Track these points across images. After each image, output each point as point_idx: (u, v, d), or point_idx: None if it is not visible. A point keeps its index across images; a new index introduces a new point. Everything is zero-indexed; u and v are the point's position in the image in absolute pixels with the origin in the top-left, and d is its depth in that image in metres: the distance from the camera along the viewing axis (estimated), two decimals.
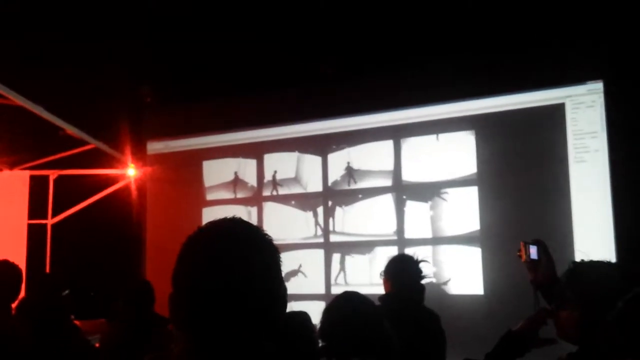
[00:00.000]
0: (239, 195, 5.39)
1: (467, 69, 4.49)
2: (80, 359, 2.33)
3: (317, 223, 5.02)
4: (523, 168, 4.31)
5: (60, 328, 2.36)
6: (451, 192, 4.57)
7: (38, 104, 4.18)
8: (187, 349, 0.97)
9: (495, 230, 4.35)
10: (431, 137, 4.69)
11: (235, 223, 1.04)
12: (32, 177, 5.50)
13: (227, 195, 5.43)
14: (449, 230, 4.55)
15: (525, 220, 4.15)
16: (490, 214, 4.40)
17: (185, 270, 0.99)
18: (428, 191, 4.64)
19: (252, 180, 5.35)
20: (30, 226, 5.47)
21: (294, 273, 4.92)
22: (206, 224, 1.03)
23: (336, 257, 4.92)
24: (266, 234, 1.04)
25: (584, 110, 4.19)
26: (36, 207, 5.53)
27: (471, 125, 4.55)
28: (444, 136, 4.64)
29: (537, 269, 1.91)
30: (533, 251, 1.92)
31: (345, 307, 1.90)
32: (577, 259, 1.68)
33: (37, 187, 5.52)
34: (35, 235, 5.47)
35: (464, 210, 4.51)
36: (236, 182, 5.41)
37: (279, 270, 1.03)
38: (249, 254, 0.98)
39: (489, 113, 4.50)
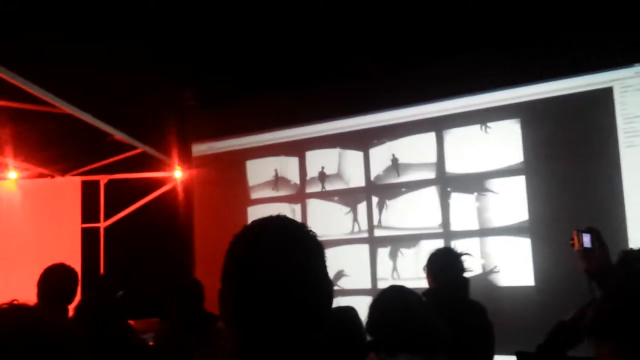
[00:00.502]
0: (282, 193, 5.44)
1: (511, 56, 4.39)
2: (137, 358, 2.41)
3: (360, 218, 5.02)
4: (572, 155, 4.19)
5: (117, 328, 2.45)
6: (497, 183, 4.48)
7: (86, 111, 4.33)
8: (236, 346, 0.99)
9: (545, 220, 4.23)
10: (475, 127, 4.61)
11: (280, 220, 1.06)
12: (83, 183, 5.69)
13: (270, 193, 5.49)
14: (496, 221, 4.47)
15: (575, 208, 4.03)
16: (539, 203, 4.29)
17: (232, 267, 1.01)
18: (473, 182, 4.57)
19: (294, 177, 5.39)
20: (83, 230, 5.66)
21: (339, 268, 4.92)
22: (252, 222, 1.05)
23: (381, 252, 4.90)
24: (310, 230, 1.05)
25: (633, 93, 4.04)
26: (89, 211, 5.72)
27: (516, 113, 4.45)
28: (488, 125, 4.56)
29: (591, 257, 1.86)
30: (586, 239, 1.86)
31: (391, 302, 1.89)
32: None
33: (89, 192, 5.71)
34: (88, 238, 5.67)
35: (511, 200, 4.41)
36: (279, 181, 5.46)
37: (324, 266, 1.03)
38: (294, 250, 0.99)
39: (534, 100, 4.38)
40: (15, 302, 1.19)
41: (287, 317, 0.96)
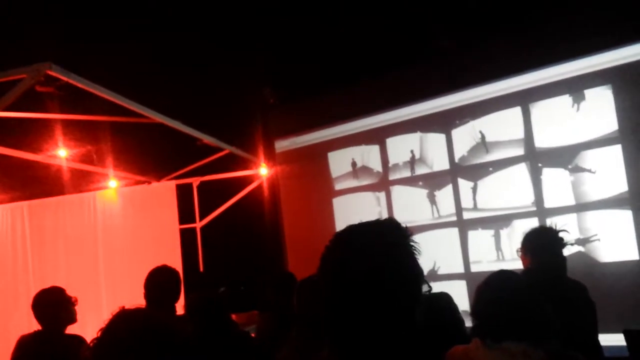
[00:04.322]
0: (366, 182, 5.44)
1: (598, 19, 4.14)
2: (242, 349, 2.53)
3: (447, 201, 4.94)
4: None
5: (223, 322, 2.59)
6: (592, 154, 4.26)
7: (175, 119, 4.55)
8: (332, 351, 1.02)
9: None
10: (563, 98, 4.40)
11: (369, 223, 1.07)
12: (178, 186, 5.89)
13: (354, 183, 5.51)
14: (594, 195, 4.25)
15: None
16: (639, 172, 4.05)
17: (324, 270, 1.04)
18: (566, 155, 4.37)
19: (376, 166, 5.39)
20: (181, 230, 5.82)
21: (429, 254, 4.87)
22: (337, 234, 1.06)
23: (472, 235, 4.81)
24: (393, 225, 1.05)
25: None
26: (184, 213, 5.91)
27: (606, 79, 4.20)
28: (577, 95, 4.34)
29: None
30: None
31: (499, 286, 1.83)
32: None
33: (184, 194, 5.95)
34: (186, 238, 5.86)
35: (608, 171, 4.19)
36: (362, 170, 5.48)
37: (408, 259, 1.03)
38: (376, 251, 1.00)
39: (625, 64, 4.12)
40: (123, 308, 1.32)
41: (373, 318, 0.98)
